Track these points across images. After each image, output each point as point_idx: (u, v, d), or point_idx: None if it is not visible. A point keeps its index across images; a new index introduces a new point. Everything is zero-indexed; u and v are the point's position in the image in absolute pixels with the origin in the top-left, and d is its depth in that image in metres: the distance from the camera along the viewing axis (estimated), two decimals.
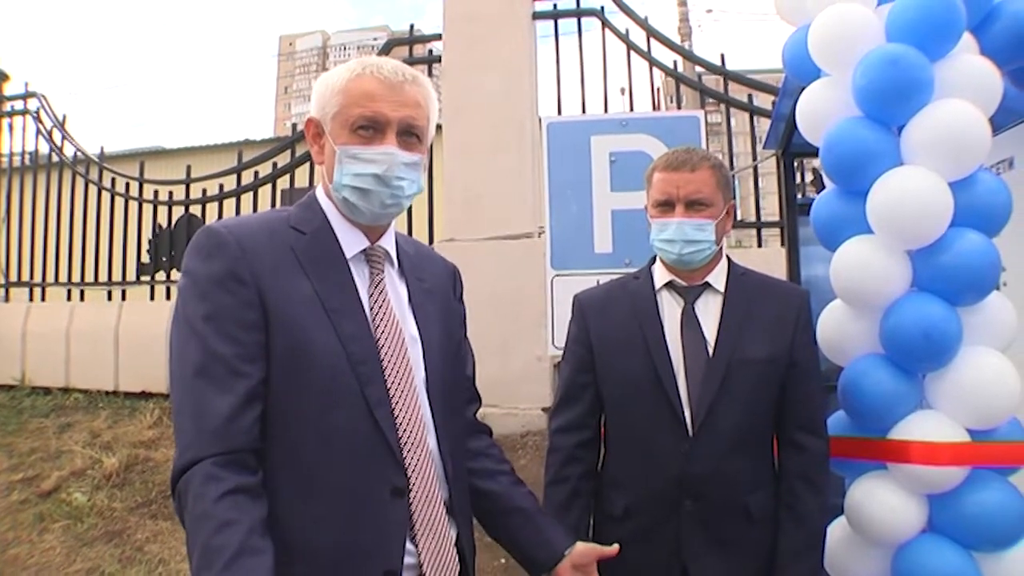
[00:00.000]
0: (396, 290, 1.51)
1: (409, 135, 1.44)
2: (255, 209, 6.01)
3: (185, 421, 1.26)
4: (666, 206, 1.94)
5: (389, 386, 1.38)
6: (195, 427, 1.25)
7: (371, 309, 1.42)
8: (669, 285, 1.99)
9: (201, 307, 1.30)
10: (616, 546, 1.65)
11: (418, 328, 1.50)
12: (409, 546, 1.37)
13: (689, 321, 1.94)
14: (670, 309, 1.97)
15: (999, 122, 2.09)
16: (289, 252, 1.38)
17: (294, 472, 1.30)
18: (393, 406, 1.38)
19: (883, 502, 1.99)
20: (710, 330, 1.92)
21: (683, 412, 1.87)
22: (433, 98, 1.50)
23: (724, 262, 2.01)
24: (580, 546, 1.61)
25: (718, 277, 1.98)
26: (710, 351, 1.89)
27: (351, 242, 1.45)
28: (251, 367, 1.29)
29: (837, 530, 2.11)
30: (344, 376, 1.33)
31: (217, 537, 1.16)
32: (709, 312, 1.95)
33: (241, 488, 1.22)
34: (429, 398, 1.47)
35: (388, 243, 1.52)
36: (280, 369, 1.31)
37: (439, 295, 1.61)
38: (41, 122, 7.06)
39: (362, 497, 1.33)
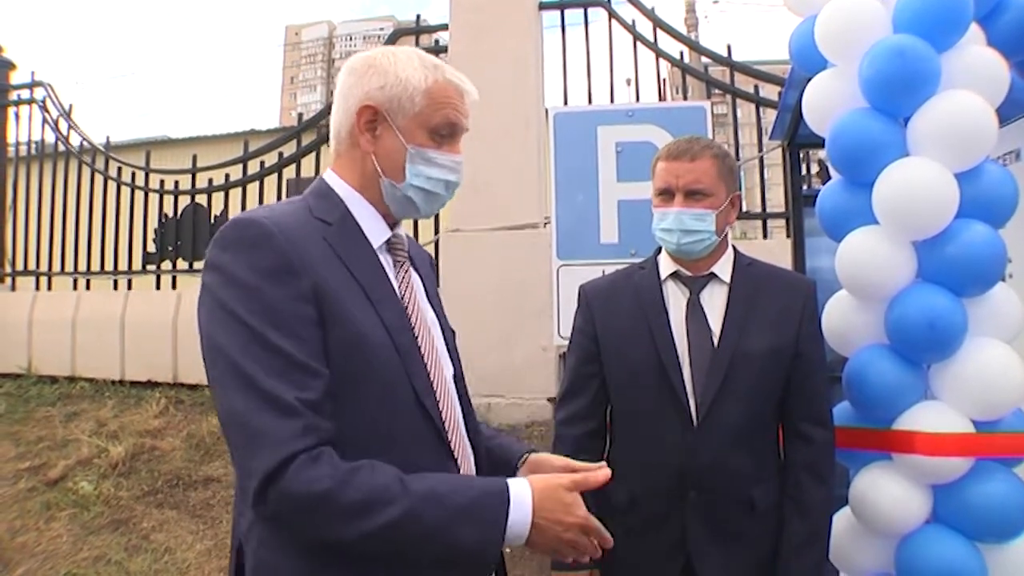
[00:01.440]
0: (416, 278, 1.51)
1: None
2: (261, 199, 6.03)
3: (264, 419, 1.14)
4: (666, 195, 1.94)
5: (429, 374, 1.37)
6: (279, 424, 1.13)
7: (402, 298, 1.40)
8: (674, 275, 1.99)
9: (253, 303, 1.19)
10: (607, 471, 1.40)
11: (436, 314, 1.51)
12: None
13: (694, 311, 1.94)
14: (675, 299, 1.97)
15: (1006, 114, 2.09)
16: (323, 242, 1.31)
17: None
18: (435, 394, 1.37)
19: (887, 493, 2.00)
20: (715, 321, 1.92)
21: (687, 402, 1.87)
22: None
23: (730, 252, 2.01)
24: (533, 457, 1.54)
25: (724, 267, 1.97)
26: (715, 342, 1.89)
27: (377, 231, 1.42)
28: (320, 364, 1.21)
29: (841, 520, 2.11)
30: (395, 368, 1.30)
31: (407, 480, 1.18)
32: (714, 303, 1.94)
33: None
34: (455, 382, 1.48)
35: (402, 231, 1.52)
36: (338, 364, 1.24)
37: (434, 282, 1.63)
38: (47, 111, 7.04)
39: None
